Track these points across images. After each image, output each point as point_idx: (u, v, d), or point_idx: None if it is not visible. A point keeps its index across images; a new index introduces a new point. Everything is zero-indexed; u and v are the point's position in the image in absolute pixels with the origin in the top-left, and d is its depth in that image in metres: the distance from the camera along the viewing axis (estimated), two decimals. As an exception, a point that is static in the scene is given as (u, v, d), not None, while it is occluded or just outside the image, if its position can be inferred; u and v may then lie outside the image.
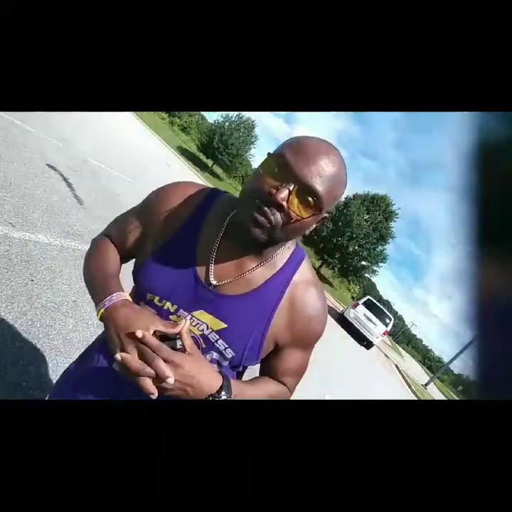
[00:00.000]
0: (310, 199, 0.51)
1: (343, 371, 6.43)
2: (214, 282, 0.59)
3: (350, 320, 11.31)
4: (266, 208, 0.51)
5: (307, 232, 0.57)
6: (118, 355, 0.50)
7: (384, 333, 11.48)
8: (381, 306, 11.97)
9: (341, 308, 14.69)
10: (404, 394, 10.34)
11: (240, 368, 0.67)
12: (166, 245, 0.62)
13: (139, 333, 0.50)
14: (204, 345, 0.61)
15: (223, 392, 0.55)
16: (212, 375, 0.55)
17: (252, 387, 0.64)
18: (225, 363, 0.62)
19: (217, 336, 0.60)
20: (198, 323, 0.60)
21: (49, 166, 3.76)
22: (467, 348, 0.23)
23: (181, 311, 0.60)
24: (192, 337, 0.58)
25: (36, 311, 1.84)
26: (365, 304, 11.72)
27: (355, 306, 11.71)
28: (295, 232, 0.55)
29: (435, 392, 17.65)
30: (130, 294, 0.63)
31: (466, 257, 0.21)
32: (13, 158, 3.26)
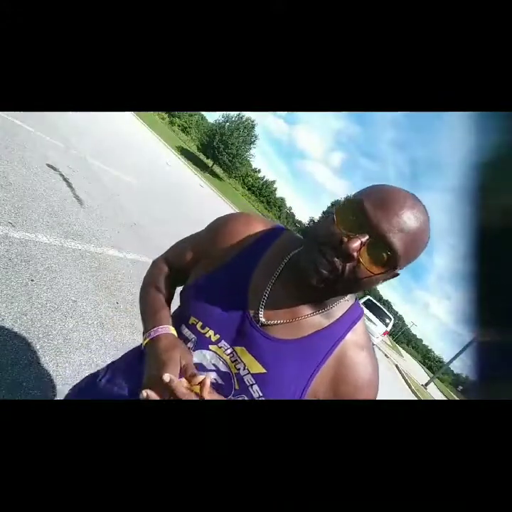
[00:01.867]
0: (384, 254, 0.46)
1: (343, 371, 6.41)
2: (262, 320, 0.54)
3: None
4: (334, 256, 0.47)
5: (373, 287, 0.54)
6: (144, 393, 0.50)
7: (384, 333, 11.48)
8: (381, 306, 11.97)
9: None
10: (404, 394, 10.34)
11: None
12: (220, 271, 0.59)
13: (167, 378, 0.49)
14: (237, 387, 0.56)
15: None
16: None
17: None
18: None
19: (253, 380, 0.54)
20: (236, 360, 0.55)
21: (49, 166, 3.76)
22: (467, 348, 0.23)
23: (223, 342, 0.56)
24: (227, 374, 0.56)
25: (36, 311, 1.84)
26: (365, 304, 11.71)
27: (355, 306, 11.69)
28: (358, 288, 0.50)
29: (435, 392, 17.65)
30: (173, 315, 0.63)
31: (466, 257, 0.21)
32: (13, 158, 3.26)
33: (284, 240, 0.61)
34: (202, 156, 26.59)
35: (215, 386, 0.53)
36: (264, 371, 0.53)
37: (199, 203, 10.78)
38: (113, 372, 0.74)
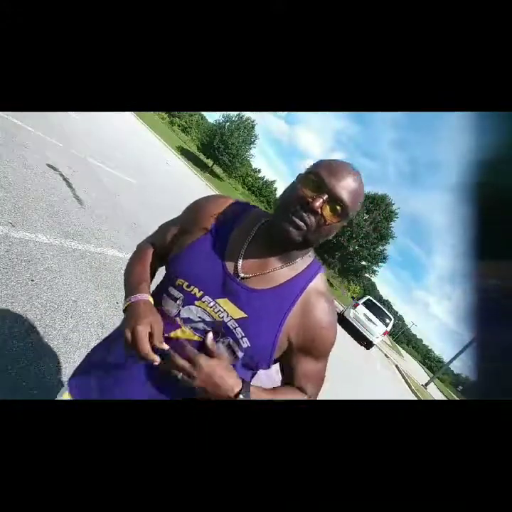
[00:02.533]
0: (338, 207, 0.62)
1: (343, 371, 6.43)
2: (241, 275, 0.67)
3: (350, 320, 11.30)
4: (304, 213, 0.62)
5: (331, 236, 0.67)
6: (128, 332, 0.62)
7: (384, 333, 11.47)
8: (381, 306, 11.96)
9: (341, 308, 14.69)
10: (404, 394, 10.34)
11: (251, 370, 0.72)
12: (200, 240, 0.71)
13: (164, 346, 0.62)
14: (223, 331, 0.67)
15: (241, 395, 0.63)
16: (234, 378, 0.64)
17: (271, 392, 0.70)
18: (240, 353, 0.67)
19: (236, 324, 0.66)
20: (219, 310, 0.66)
21: (49, 166, 3.76)
22: (467, 348, 0.23)
23: (206, 297, 0.67)
24: (211, 322, 0.66)
25: (36, 311, 1.84)
26: (365, 303, 11.71)
27: (355, 306, 11.70)
28: (323, 236, 0.65)
29: (435, 392, 17.64)
30: (158, 286, 0.75)
31: (466, 257, 0.21)
32: (13, 158, 3.26)
33: (254, 212, 0.75)
34: (202, 156, 26.58)
35: (203, 333, 0.66)
36: (245, 316, 0.65)
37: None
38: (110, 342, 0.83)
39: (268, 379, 0.92)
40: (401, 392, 10.11)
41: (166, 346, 0.63)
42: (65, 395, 0.78)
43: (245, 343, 0.66)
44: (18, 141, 3.70)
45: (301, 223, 0.62)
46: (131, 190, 5.52)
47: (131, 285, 0.73)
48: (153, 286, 0.78)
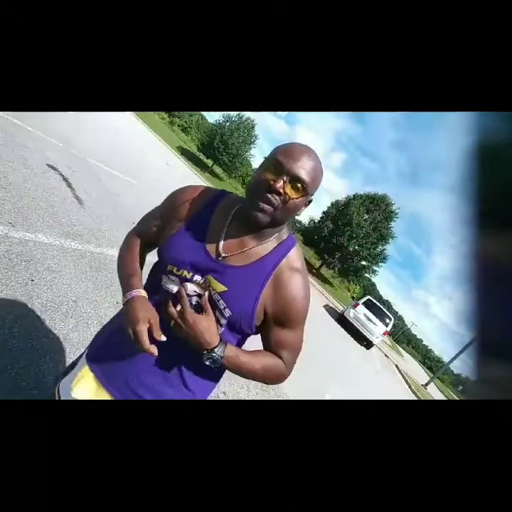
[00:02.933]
0: (299, 185, 0.69)
1: (343, 371, 6.43)
2: (222, 254, 0.76)
3: (350, 320, 11.31)
4: (268, 195, 0.69)
5: (299, 213, 0.75)
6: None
7: (384, 333, 11.47)
8: (381, 306, 11.96)
9: (341, 308, 14.69)
10: (404, 394, 10.34)
11: (239, 335, 0.81)
12: (183, 228, 0.80)
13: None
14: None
15: (216, 350, 0.72)
16: (213, 334, 0.72)
17: (249, 354, 0.78)
18: (224, 321, 0.76)
19: (218, 297, 0.75)
20: (207, 285, 0.76)
21: (49, 166, 3.76)
22: (467, 348, 0.23)
23: (196, 276, 0.76)
24: (199, 294, 0.76)
25: (36, 311, 1.84)
26: (365, 304, 11.71)
27: (355, 306, 11.70)
28: (290, 213, 0.73)
29: (435, 392, 17.64)
30: (152, 270, 0.86)
31: (466, 257, 0.21)
32: (13, 158, 3.26)
33: (229, 198, 0.84)
34: (202, 156, 26.57)
35: (196, 306, 0.75)
36: (226, 289, 0.75)
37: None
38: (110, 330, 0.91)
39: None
40: (401, 392, 10.11)
41: (163, 338, 0.70)
42: (85, 370, 0.84)
43: (228, 312, 0.75)
44: (18, 141, 3.70)
45: (267, 206, 0.69)
46: (131, 190, 5.52)
47: (124, 279, 0.81)
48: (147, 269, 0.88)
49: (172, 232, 0.80)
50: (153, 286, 0.82)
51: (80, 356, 0.91)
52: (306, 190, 0.70)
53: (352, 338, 10.84)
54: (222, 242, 0.77)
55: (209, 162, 26.38)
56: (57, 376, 1.59)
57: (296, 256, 0.79)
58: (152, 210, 0.93)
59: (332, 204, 24.54)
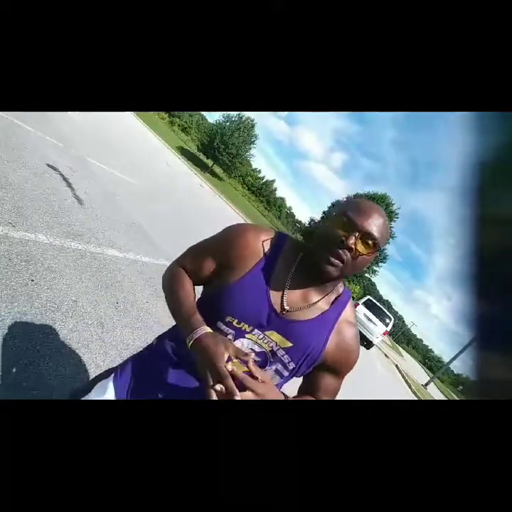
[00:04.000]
0: (370, 242, 0.70)
1: (343, 371, 6.41)
2: (287, 308, 0.74)
3: (350, 320, 11.28)
4: (340, 251, 0.69)
5: (365, 268, 0.75)
6: (217, 387, 0.62)
7: (384, 333, 11.46)
8: (381, 306, 11.95)
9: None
10: (404, 394, 10.33)
11: (290, 380, 0.81)
12: (245, 277, 0.76)
13: (230, 367, 0.63)
14: (272, 359, 0.76)
15: None
16: (276, 393, 0.70)
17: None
18: (286, 373, 0.77)
19: (283, 352, 0.75)
20: (268, 341, 0.75)
21: (49, 166, 3.76)
22: (467, 348, 0.23)
23: (256, 331, 0.74)
24: (262, 352, 0.74)
25: (36, 311, 1.84)
26: (365, 303, 11.70)
27: (355, 306, 11.70)
28: (358, 268, 0.73)
29: (435, 392, 17.63)
30: (201, 309, 0.78)
31: (466, 257, 0.21)
32: (13, 158, 3.26)
33: (290, 245, 0.81)
34: (202, 156, 26.57)
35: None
36: (291, 344, 0.74)
37: (199, 202, 10.79)
38: (131, 372, 0.85)
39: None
40: (401, 392, 10.10)
41: (251, 358, 0.66)
42: (109, 392, 0.81)
43: (291, 365, 0.76)
44: (18, 141, 3.70)
45: (337, 261, 0.70)
46: (131, 190, 5.52)
47: (185, 317, 0.74)
48: None
49: (233, 280, 0.76)
50: None
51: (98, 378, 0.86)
52: (376, 246, 0.71)
53: (352, 338, 10.81)
54: (286, 295, 0.75)
55: (209, 162, 26.38)
56: (58, 377, 1.60)
57: (351, 309, 0.82)
58: (203, 247, 0.86)
59: (332, 204, 24.53)
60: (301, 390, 0.86)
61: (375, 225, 0.70)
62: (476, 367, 0.22)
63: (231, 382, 0.62)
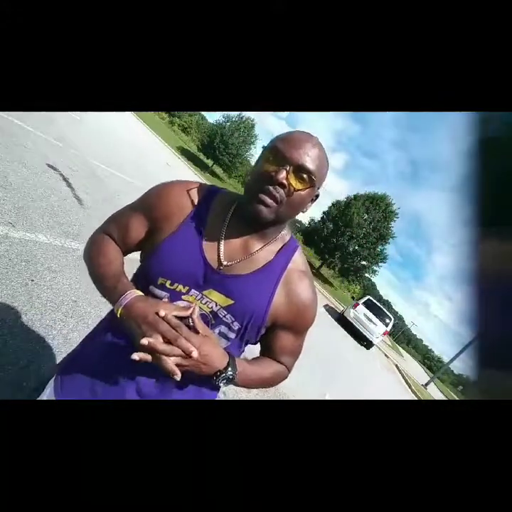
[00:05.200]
0: (304, 175, 0.62)
1: (343, 371, 6.43)
2: (224, 263, 0.67)
3: (350, 320, 11.30)
4: (270, 187, 0.61)
5: (304, 209, 0.68)
6: (144, 340, 0.56)
7: (384, 333, 11.46)
8: (381, 306, 11.95)
9: (341, 308, 14.68)
10: (404, 394, 10.34)
11: (244, 346, 0.74)
12: (174, 235, 0.69)
13: (162, 312, 0.58)
14: (213, 321, 0.69)
15: (230, 369, 0.64)
16: (221, 354, 0.64)
17: (254, 365, 0.73)
18: (232, 335, 0.70)
19: (225, 312, 0.67)
20: (207, 301, 0.67)
21: (49, 166, 3.76)
22: (467, 348, 0.23)
23: (193, 291, 0.67)
24: (202, 314, 0.66)
25: (36, 311, 1.84)
26: (365, 303, 11.70)
27: (355, 306, 11.70)
28: (295, 208, 0.66)
29: (435, 392, 17.64)
30: (133, 280, 0.71)
31: (466, 257, 0.21)
32: (13, 158, 3.26)
33: (224, 195, 0.74)
34: (202, 156, 26.57)
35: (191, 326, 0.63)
36: (232, 302, 0.67)
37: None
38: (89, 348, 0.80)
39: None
40: (401, 392, 10.11)
41: (188, 312, 0.61)
42: (45, 395, 0.76)
43: (236, 326, 0.68)
44: (18, 141, 3.70)
45: (269, 200, 0.62)
46: (131, 191, 5.52)
47: (110, 284, 0.68)
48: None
49: (162, 238, 0.69)
50: None
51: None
52: (312, 181, 0.63)
53: (352, 338, 10.84)
54: (222, 248, 0.68)
55: (209, 162, 26.39)
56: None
57: (301, 258, 0.74)
58: (127, 209, 0.79)
59: (333, 204, 24.53)
60: (261, 354, 0.79)
61: (308, 155, 0.62)
62: (476, 367, 0.22)
63: (174, 332, 0.57)
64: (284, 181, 0.61)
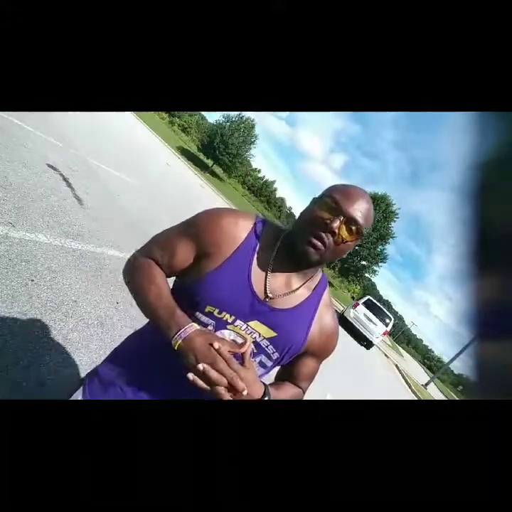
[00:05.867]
0: (353, 228, 0.68)
1: (343, 371, 6.43)
2: (270, 295, 0.71)
3: (350, 320, 11.31)
4: (322, 234, 0.67)
5: (345, 255, 0.73)
6: (200, 366, 0.61)
7: (384, 333, 11.46)
8: (381, 306, 11.95)
9: (341, 308, 14.69)
10: (404, 394, 10.34)
11: (272, 370, 0.79)
12: (225, 264, 0.71)
13: (216, 345, 0.62)
14: (255, 350, 0.73)
15: (265, 398, 0.68)
16: (260, 385, 0.69)
17: (280, 391, 0.78)
18: (269, 364, 0.75)
19: (267, 343, 0.72)
20: (251, 332, 0.71)
21: (49, 166, 3.76)
22: (467, 348, 0.23)
23: (238, 321, 0.70)
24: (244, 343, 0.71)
25: (36, 311, 1.84)
26: (365, 303, 11.70)
27: (355, 306, 11.70)
28: (339, 254, 0.71)
29: (435, 392, 17.63)
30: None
31: (466, 257, 0.21)
32: (13, 158, 3.26)
33: (269, 229, 0.77)
34: (202, 156, 26.58)
35: (234, 355, 0.67)
36: (275, 334, 0.72)
37: (199, 203, 10.79)
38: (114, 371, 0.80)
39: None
40: (401, 392, 10.11)
41: (243, 350, 0.66)
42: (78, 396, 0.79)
43: (275, 356, 0.74)
44: (18, 141, 3.70)
45: (319, 243, 0.67)
46: (131, 191, 5.52)
47: (166, 315, 0.68)
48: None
49: (211, 266, 0.70)
50: None
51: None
52: (359, 233, 0.69)
53: (352, 338, 10.84)
54: (269, 280, 0.71)
55: (209, 162, 26.39)
56: (57, 378, 1.59)
57: (327, 293, 0.81)
58: (172, 234, 0.77)
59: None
60: (280, 377, 0.84)
61: (360, 211, 0.68)
62: (476, 367, 0.22)
63: (239, 381, 0.61)
64: (336, 230, 0.66)
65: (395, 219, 23.75)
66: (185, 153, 24.10)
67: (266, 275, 0.72)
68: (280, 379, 0.84)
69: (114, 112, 10.39)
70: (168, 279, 0.77)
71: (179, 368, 0.64)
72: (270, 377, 0.82)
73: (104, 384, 0.78)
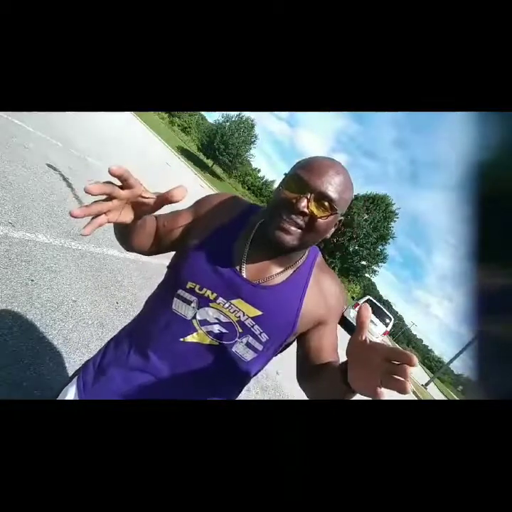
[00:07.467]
0: (325, 203, 0.61)
1: (343, 371, 6.41)
2: (245, 278, 0.68)
3: (350, 320, 11.30)
4: (293, 216, 0.61)
5: (328, 234, 0.67)
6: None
7: (384, 333, 11.46)
8: (381, 306, 11.95)
9: (341, 308, 14.66)
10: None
11: (272, 356, 0.74)
12: (206, 240, 0.70)
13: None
14: (241, 331, 0.68)
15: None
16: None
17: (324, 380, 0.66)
18: (259, 347, 0.69)
19: (253, 322, 0.67)
20: (235, 310, 0.67)
21: (49, 166, 3.76)
22: (467, 348, 0.23)
23: (220, 299, 0.67)
24: (229, 323, 0.67)
25: (36, 311, 1.84)
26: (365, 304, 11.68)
27: (356, 306, 11.70)
28: (320, 234, 0.65)
29: (435, 392, 17.62)
30: (160, 287, 0.75)
31: (466, 257, 0.21)
32: (13, 158, 3.26)
33: (258, 213, 0.74)
34: (202, 156, 26.59)
35: (219, 335, 0.66)
36: (260, 313, 0.67)
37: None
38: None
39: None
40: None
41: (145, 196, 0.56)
42: (70, 395, 0.78)
43: (264, 337, 0.68)
44: (18, 141, 3.70)
45: (291, 227, 0.62)
46: (131, 190, 5.50)
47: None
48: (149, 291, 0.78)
49: (195, 243, 0.70)
50: (157, 308, 0.72)
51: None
52: (333, 208, 0.62)
53: (352, 338, 10.82)
54: (245, 265, 0.68)
55: (209, 162, 26.41)
56: (58, 377, 1.59)
57: (322, 262, 0.76)
58: (183, 209, 0.80)
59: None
60: (304, 364, 0.73)
61: (329, 183, 0.61)
62: (476, 367, 0.22)
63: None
64: (306, 210, 0.60)
65: (395, 219, 23.76)
66: (185, 153, 24.11)
67: (242, 257, 0.69)
68: (310, 369, 0.71)
69: (114, 112, 10.39)
70: (157, 253, 0.79)
71: (170, 354, 0.65)
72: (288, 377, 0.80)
73: (96, 372, 0.79)
